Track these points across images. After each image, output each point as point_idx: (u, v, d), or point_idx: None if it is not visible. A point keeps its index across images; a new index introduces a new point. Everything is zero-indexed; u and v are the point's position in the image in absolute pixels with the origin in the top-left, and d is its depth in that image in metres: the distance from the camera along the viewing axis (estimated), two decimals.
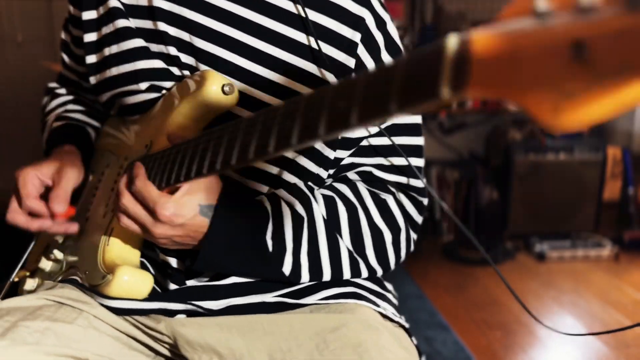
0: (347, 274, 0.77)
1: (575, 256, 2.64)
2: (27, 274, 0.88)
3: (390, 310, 0.80)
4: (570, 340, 1.93)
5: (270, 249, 0.71)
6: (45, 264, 0.84)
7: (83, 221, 0.83)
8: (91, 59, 0.82)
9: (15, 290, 0.86)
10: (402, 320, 0.81)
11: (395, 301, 0.87)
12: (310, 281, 0.76)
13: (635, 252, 2.70)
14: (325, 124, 0.44)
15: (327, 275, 0.76)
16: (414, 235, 0.83)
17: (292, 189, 0.76)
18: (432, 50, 0.37)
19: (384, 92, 0.40)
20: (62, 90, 1.01)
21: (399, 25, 2.95)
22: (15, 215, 0.78)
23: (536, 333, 1.98)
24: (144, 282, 0.72)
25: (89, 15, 0.81)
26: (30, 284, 0.83)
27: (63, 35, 0.93)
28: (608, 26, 0.27)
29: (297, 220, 0.73)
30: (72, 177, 0.80)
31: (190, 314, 0.74)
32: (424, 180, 0.81)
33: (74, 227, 0.80)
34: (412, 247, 0.84)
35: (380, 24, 0.76)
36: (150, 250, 0.79)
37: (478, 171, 2.91)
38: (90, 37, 0.81)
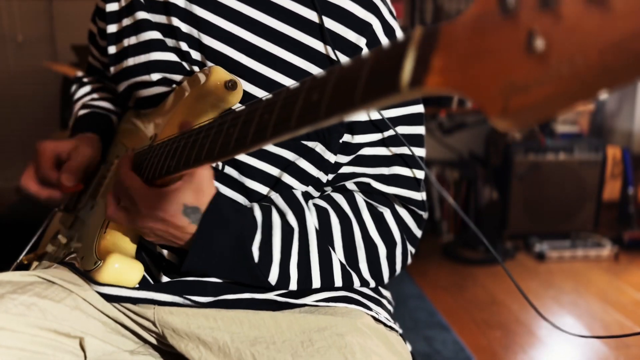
0: (338, 285, 0.77)
1: (575, 256, 2.64)
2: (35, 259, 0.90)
3: (383, 315, 0.79)
4: (570, 340, 1.93)
5: (256, 259, 0.71)
6: (52, 249, 0.86)
7: (89, 209, 0.85)
8: (112, 49, 0.85)
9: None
10: (396, 326, 0.80)
11: (390, 307, 0.86)
12: (299, 289, 0.76)
13: (635, 252, 2.70)
14: (297, 117, 0.43)
15: (316, 285, 0.76)
16: (411, 249, 0.83)
17: (287, 197, 0.76)
18: (400, 40, 0.36)
19: (352, 84, 0.38)
20: (90, 79, 1.06)
21: (399, 25, 2.95)
22: (29, 182, 0.82)
23: (536, 333, 1.98)
24: (134, 270, 0.73)
25: (112, 7, 0.84)
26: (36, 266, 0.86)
27: (92, 27, 0.96)
28: (565, 18, 0.27)
29: (287, 231, 0.73)
30: (86, 154, 0.84)
31: (178, 306, 0.74)
32: (426, 170, 0.80)
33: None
34: (410, 260, 0.83)
35: (389, 30, 0.77)
36: (148, 242, 0.79)
37: (478, 171, 2.92)
38: (112, 28, 0.84)
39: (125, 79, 0.83)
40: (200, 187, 0.68)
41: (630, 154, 2.92)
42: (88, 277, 0.74)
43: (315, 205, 0.78)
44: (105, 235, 0.75)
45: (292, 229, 0.74)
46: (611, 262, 2.62)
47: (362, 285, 0.79)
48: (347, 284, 0.78)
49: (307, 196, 0.78)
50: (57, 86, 2.74)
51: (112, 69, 0.85)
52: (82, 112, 0.97)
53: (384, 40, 0.76)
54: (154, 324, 0.73)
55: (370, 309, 0.78)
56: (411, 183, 0.80)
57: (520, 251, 2.74)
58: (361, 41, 0.75)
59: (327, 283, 0.76)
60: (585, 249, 2.66)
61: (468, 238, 2.81)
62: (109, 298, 0.73)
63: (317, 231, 0.75)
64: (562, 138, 2.87)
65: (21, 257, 0.90)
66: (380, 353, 0.69)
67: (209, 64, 0.76)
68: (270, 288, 0.74)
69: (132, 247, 0.77)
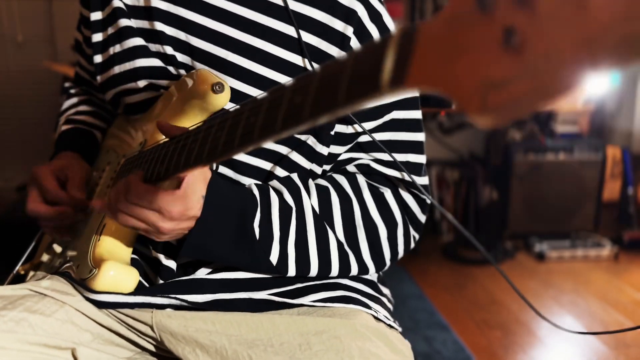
0: (335, 268, 0.77)
1: (574, 256, 2.64)
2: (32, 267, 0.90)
3: (382, 313, 0.79)
4: (570, 339, 1.93)
5: (258, 236, 0.71)
6: (48, 258, 0.86)
7: (84, 217, 0.84)
8: (98, 58, 0.83)
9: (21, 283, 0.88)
10: (396, 324, 0.80)
11: (390, 306, 0.86)
12: (297, 274, 0.75)
13: (635, 252, 2.70)
14: (282, 120, 0.43)
15: (314, 268, 0.75)
16: (414, 233, 0.82)
17: (283, 179, 0.76)
18: (379, 40, 0.36)
19: (335, 85, 0.38)
20: (76, 90, 1.04)
21: (397, 23, 2.95)
22: (37, 205, 0.81)
23: (536, 333, 1.98)
24: (130, 277, 0.73)
25: (96, 15, 0.83)
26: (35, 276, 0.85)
27: (77, 36, 0.95)
28: (540, 14, 0.27)
29: (285, 209, 0.73)
30: (82, 168, 0.85)
31: (175, 308, 0.74)
32: (427, 177, 0.81)
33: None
34: (413, 245, 0.83)
35: (375, 16, 0.76)
36: (143, 247, 0.79)
37: (478, 171, 2.92)
38: (97, 37, 0.83)
39: (112, 87, 0.82)
40: (206, 175, 0.68)
41: (630, 154, 2.92)
42: (83, 285, 0.73)
43: (316, 184, 0.78)
44: (99, 242, 0.75)
45: (290, 207, 0.74)
46: (611, 262, 2.62)
47: (360, 271, 0.79)
48: (344, 269, 0.77)
49: (302, 180, 0.78)
50: (57, 86, 2.74)
51: (98, 78, 0.84)
52: (65, 127, 0.96)
53: (371, 27, 0.75)
54: (151, 328, 0.73)
55: (369, 307, 0.78)
56: (412, 167, 0.79)
57: (520, 251, 2.74)
58: (348, 30, 0.74)
59: (324, 266, 0.76)
60: (585, 249, 2.66)
61: (468, 238, 2.80)
62: (105, 305, 0.73)
63: (314, 211, 0.75)
64: (562, 138, 2.87)
65: (17, 267, 0.89)
66: (380, 354, 0.69)
67: (198, 65, 0.75)
68: (270, 271, 0.74)
69: (127, 252, 0.77)
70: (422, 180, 0.80)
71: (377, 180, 0.80)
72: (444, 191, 2.97)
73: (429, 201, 0.81)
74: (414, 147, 0.80)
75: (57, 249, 0.85)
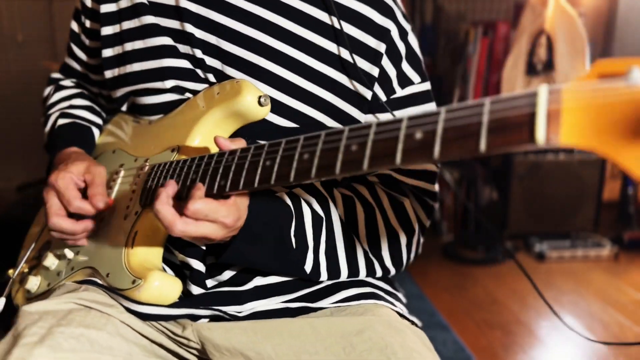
0: (362, 273, 0.79)
1: (575, 256, 2.64)
2: (25, 271, 0.88)
3: (405, 310, 0.81)
4: (570, 340, 1.93)
5: (294, 245, 0.72)
6: (51, 262, 0.82)
7: (97, 221, 0.81)
8: (108, 52, 0.82)
9: (4, 286, 0.86)
10: (416, 320, 0.82)
11: (405, 301, 0.88)
12: (328, 280, 0.77)
13: (635, 252, 2.70)
14: (401, 155, 0.48)
15: (344, 275, 0.77)
16: (421, 238, 0.84)
17: (309, 188, 0.76)
18: (523, 96, 0.42)
19: (472, 132, 0.44)
20: (67, 82, 1.01)
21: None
22: (60, 220, 0.77)
23: (536, 333, 1.98)
24: (174, 287, 0.72)
25: (108, 8, 0.82)
26: (34, 282, 0.83)
27: (73, 26, 0.93)
28: None
29: (316, 219, 0.74)
30: (102, 173, 0.81)
31: (214, 319, 0.74)
32: (437, 185, 0.83)
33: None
34: (420, 249, 0.85)
35: (403, 34, 0.78)
36: (168, 253, 0.78)
37: (478, 171, 2.91)
38: (107, 30, 0.82)
39: (127, 84, 0.81)
40: None
41: None
42: (123, 296, 0.72)
43: (341, 194, 0.79)
44: (134, 251, 0.73)
45: (321, 218, 0.75)
46: (611, 262, 2.62)
47: (383, 274, 0.81)
48: (370, 274, 0.80)
49: (327, 189, 0.79)
50: None
51: (108, 73, 0.82)
52: (62, 121, 0.93)
53: (400, 45, 0.78)
54: (194, 341, 0.73)
55: (394, 305, 0.80)
56: (429, 175, 0.81)
57: (520, 251, 2.74)
58: (381, 47, 0.76)
59: (353, 272, 0.78)
60: (585, 249, 2.66)
61: (468, 238, 2.81)
62: (145, 317, 0.72)
63: (341, 221, 0.77)
64: None
65: (15, 274, 0.86)
66: (419, 350, 0.70)
67: (228, 70, 0.75)
68: (303, 278, 0.75)
69: (159, 261, 0.76)
70: (435, 188, 0.83)
71: (395, 189, 0.81)
72: (444, 191, 2.97)
73: (436, 207, 0.85)
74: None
75: (69, 253, 0.81)
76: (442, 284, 2.43)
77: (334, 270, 0.76)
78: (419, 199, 0.82)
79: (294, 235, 0.72)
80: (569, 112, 0.39)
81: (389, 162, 0.49)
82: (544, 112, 0.40)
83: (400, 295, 0.87)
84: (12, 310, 0.84)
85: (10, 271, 0.88)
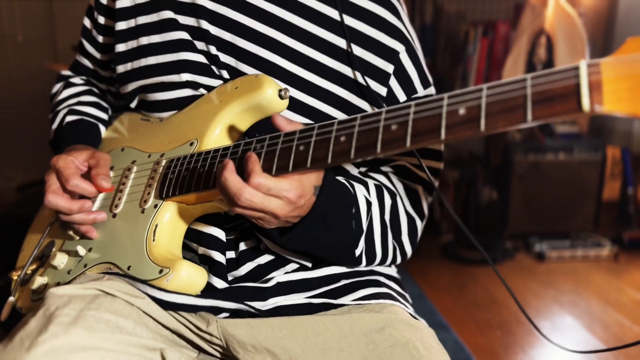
0: (389, 259, 0.82)
1: (574, 256, 2.64)
2: (30, 271, 0.87)
3: (413, 311, 0.82)
4: (570, 339, 1.93)
5: (354, 227, 0.74)
6: (60, 261, 0.82)
7: (109, 217, 0.81)
8: (121, 47, 0.83)
9: (9, 289, 0.85)
10: (423, 321, 0.83)
11: (411, 302, 0.89)
12: (365, 265, 0.79)
13: (635, 252, 2.70)
14: (445, 130, 0.52)
15: (378, 259, 0.80)
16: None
17: (348, 174, 0.79)
18: (564, 70, 0.47)
19: (518, 104, 0.48)
20: (76, 80, 1.02)
21: None
22: (57, 198, 0.76)
23: (536, 333, 1.98)
24: (201, 276, 0.74)
25: (124, 3, 0.83)
26: (40, 282, 0.82)
27: (86, 22, 0.93)
28: None
29: (367, 203, 0.77)
30: (108, 159, 0.81)
31: (236, 313, 0.74)
32: (437, 183, 0.85)
33: (102, 216, 0.80)
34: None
35: (412, 55, 0.80)
36: (185, 250, 0.79)
37: (478, 171, 2.91)
38: (122, 25, 0.82)
39: (140, 78, 0.81)
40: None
41: (630, 154, 2.92)
42: (149, 284, 0.72)
43: (371, 182, 0.81)
44: (155, 244, 0.74)
45: (370, 203, 0.77)
46: (611, 262, 2.62)
47: (401, 259, 0.84)
48: (393, 260, 0.83)
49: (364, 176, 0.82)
50: None
51: (120, 67, 0.83)
52: (70, 117, 0.93)
53: (408, 64, 0.80)
54: (216, 336, 0.73)
55: (406, 306, 0.81)
56: (434, 172, 0.84)
57: (520, 251, 2.74)
58: (389, 68, 0.78)
59: (383, 257, 0.81)
60: (585, 249, 2.66)
61: (468, 238, 2.80)
62: (168, 305, 0.72)
63: (377, 207, 0.79)
64: (562, 138, 2.86)
65: (22, 274, 0.85)
66: (437, 347, 0.72)
67: (242, 66, 0.76)
68: (349, 259, 0.77)
69: (180, 252, 0.77)
70: (436, 183, 0.85)
71: (408, 177, 0.83)
72: (444, 191, 2.97)
73: (430, 199, 0.88)
74: (437, 155, 0.84)
75: (81, 250, 0.80)
76: (442, 284, 2.43)
77: (370, 255, 0.79)
78: (421, 183, 0.84)
79: (354, 218, 0.73)
80: (609, 82, 0.44)
81: (433, 137, 0.53)
82: (586, 83, 0.45)
83: (407, 296, 0.88)
84: (14, 313, 0.84)
85: (14, 273, 0.87)
